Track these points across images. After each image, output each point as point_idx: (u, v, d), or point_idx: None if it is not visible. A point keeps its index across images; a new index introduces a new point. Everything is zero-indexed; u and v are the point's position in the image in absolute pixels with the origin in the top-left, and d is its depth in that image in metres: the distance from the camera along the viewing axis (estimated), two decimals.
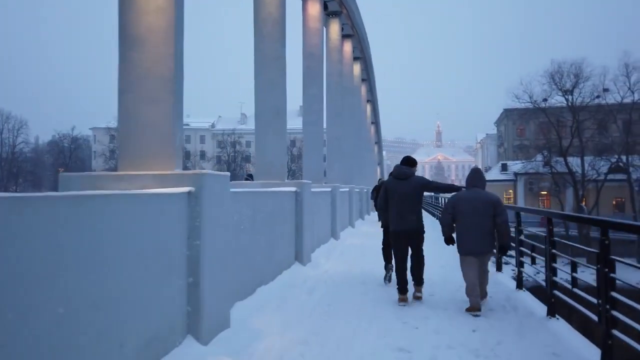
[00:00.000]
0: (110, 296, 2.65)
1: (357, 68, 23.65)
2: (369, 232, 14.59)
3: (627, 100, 41.22)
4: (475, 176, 5.53)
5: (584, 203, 41.53)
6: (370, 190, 15.70)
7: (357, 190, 17.69)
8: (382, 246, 7.11)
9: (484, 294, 5.40)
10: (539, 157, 46.03)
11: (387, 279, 6.76)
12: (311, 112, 12.21)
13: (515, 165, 50.91)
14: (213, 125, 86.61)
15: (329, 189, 11.41)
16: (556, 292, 4.68)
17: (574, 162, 40.85)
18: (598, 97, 42.55)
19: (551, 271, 4.76)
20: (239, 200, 4.98)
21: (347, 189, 15.44)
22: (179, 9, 4.12)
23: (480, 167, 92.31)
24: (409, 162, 5.94)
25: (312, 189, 9.43)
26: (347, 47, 19.68)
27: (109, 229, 2.64)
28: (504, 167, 54.63)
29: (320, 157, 12.75)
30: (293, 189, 7.51)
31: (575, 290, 4.29)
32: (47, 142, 77.30)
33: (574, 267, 4.32)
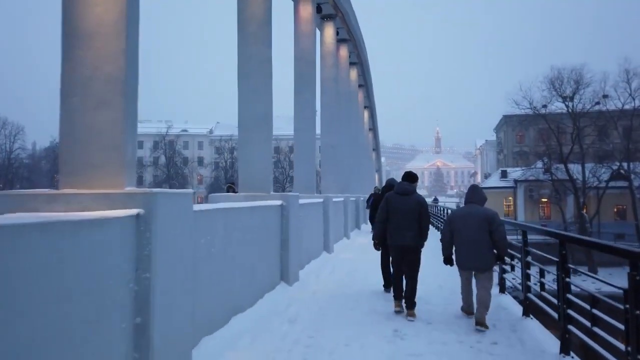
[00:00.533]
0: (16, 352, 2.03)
1: (353, 73, 23.15)
2: (364, 244, 13.98)
3: (628, 106, 40.69)
4: (472, 192, 5.60)
5: (584, 211, 40.92)
6: (366, 199, 15.17)
7: (353, 199, 17.09)
8: (381, 263, 7.21)
9: (485, 312, 5.19)
10: (539, 164, 45.46)
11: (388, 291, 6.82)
12: (303, 117, 11.62)
13: (515, 172, 50.25)
14: (211, 131, 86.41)
15: (321, 200, 10.80)
16: (570, 327, 4.15)
17: (575, 169, 40.28)
18: (597, 103, 42.04)
19: (564, 302, 4.22)
20: (209, 219, 4.38)
21: (342, 199, 14.83)
22: None
23: (479, 173, 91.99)
24: (410, 178, 6.01)
25: (302, 201, 8.84)
26: (343, 52, 19.17)
27: (17, 268, 2.02)
28: (504, 174, 54.00)
29: (313, 165, 12.15)
30: (278, 202, 6.91)
31: (595, 328, 3.68)
32: (44, 148, 76.98)
33: (593, 302, 3.74)
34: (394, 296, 5.96)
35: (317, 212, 10.32)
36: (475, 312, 5.30)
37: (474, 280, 5.48)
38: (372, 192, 14.95)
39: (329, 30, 15.38)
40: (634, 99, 40.14)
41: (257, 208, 5.99)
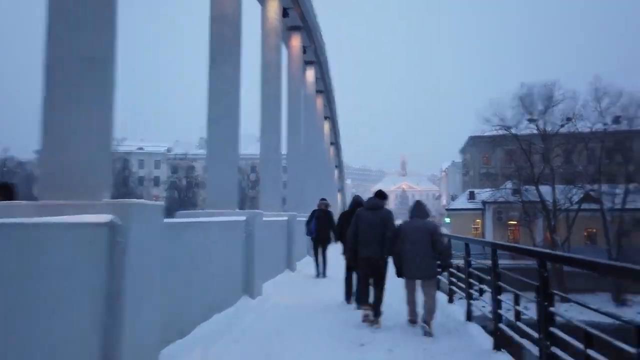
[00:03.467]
0: None
1: (310, 74, 20.04)
2: (314, 277, 10.51)
3: (599, 126, 39.44)
4: (415, 208, 6.09)
5: (554, 233, 39.07)
6: (306, 220, 11.23)
7: (303, 219, 13.63)
8: (345, 276, 7.47)
9: (431, 317, 5.59)
10: (508, 185, 43.64)
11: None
12: (220, 102, 8.14)
13: (484, 194, 48.25)
14: (169, 150, 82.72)
15: (242, 219, 7.27)
16: (501, 326, 4.64)
17: (545, 190, 38.47)
18: (563, 125, 40.60)
19: (497, 304, 4.77)
20: None
21: (286, 218, 11.37)
22: None
23: (444, 195, 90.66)
24: (380, 195, 6.51)
25: (195, 219, 5.36)
26: (295, 41, 16.00)
27: None
28: (472, 195, 52.08)
29: (233, 172, 8.61)
30: (104, 218, 3.39)
31: (519, 323, 4.25)
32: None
33: (516, 300, 4.39)
34: (360, 301, 6.26)
35: (232, 237, 6.79)
36: (424, 318, 5.58)
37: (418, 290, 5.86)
38: (316, 207, 11.16)
39: (273, 3, 12.09)
40: (604, 118, 38.91)
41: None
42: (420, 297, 5.82)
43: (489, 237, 47.07)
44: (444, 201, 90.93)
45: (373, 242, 5.95)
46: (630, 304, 30.19)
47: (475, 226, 50.42)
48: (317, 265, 10.52)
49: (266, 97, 11.79)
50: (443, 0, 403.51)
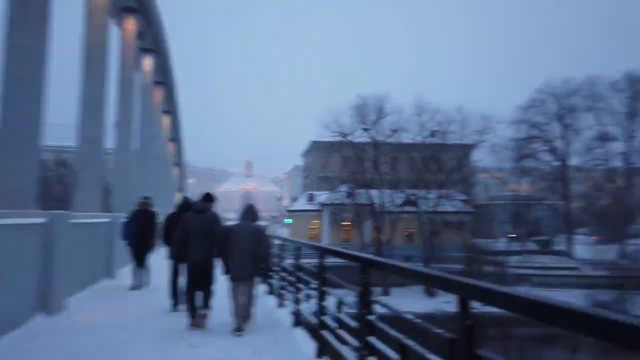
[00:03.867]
0: None
1: (148, 63, 18.39)
2: (130, 287, 9.38)
3: (419, 138, 44.91)
4: (246, 210, 6.19)
5: (381, 234, 43.18)
6: (126, 220, 9.65)
7: (126, 221, 12.27)
8: (171, 279, 7.09)
9: (250, 315, 5.89)
10: (343, 188, 46.88)
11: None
12: (16, 79, 6.67)
13: (322, 196, 51.00)
14: None
15: (40, 221, 6.02)
16: (324, 333, 4.59)
17: (374, 194, 42.32)
18: (390, 136, 45.39)
19: (321, 310, 4.74)
20: None
21: (106, 220, 10.03)
22: None
23: (287, 197, 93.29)
24: (207, 198, 6.44)
25: None
26: (129, 24, 14.46)
27: None
28: (311, 198, 54.44)
29: (32, 164, 7.16)
30: None
31: (340, 330, 4.29)
32: None
33: (339, 306, 4.60)
34: (189, 314, 6.03)
35: (18, 243, 5.55)
36: (240, 317, 5.74)
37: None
38: (137, 207, 9.75)
39: None
40: (423, 131, 44.48)
41: None
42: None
43: (326, 237, 49.71)
44: (285, 202, 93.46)
45: (200, 246, 6.00)
46: (437, 295, 34.83)
47: (313, 227, 52.71)
48: (135, 274, 9.09)
49: (88, 81, 10.26)
50: (304, 3, 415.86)
